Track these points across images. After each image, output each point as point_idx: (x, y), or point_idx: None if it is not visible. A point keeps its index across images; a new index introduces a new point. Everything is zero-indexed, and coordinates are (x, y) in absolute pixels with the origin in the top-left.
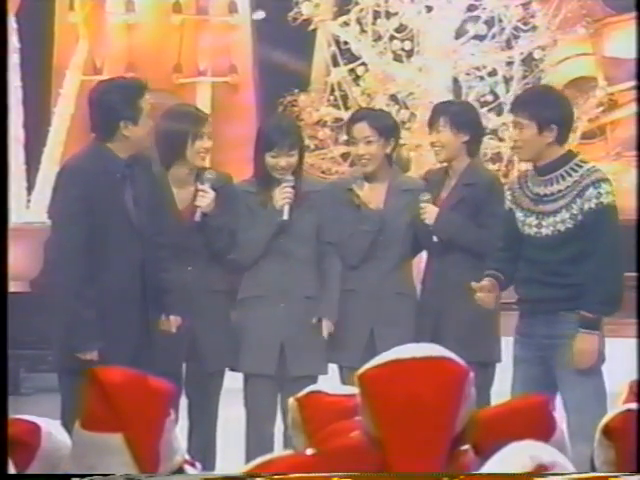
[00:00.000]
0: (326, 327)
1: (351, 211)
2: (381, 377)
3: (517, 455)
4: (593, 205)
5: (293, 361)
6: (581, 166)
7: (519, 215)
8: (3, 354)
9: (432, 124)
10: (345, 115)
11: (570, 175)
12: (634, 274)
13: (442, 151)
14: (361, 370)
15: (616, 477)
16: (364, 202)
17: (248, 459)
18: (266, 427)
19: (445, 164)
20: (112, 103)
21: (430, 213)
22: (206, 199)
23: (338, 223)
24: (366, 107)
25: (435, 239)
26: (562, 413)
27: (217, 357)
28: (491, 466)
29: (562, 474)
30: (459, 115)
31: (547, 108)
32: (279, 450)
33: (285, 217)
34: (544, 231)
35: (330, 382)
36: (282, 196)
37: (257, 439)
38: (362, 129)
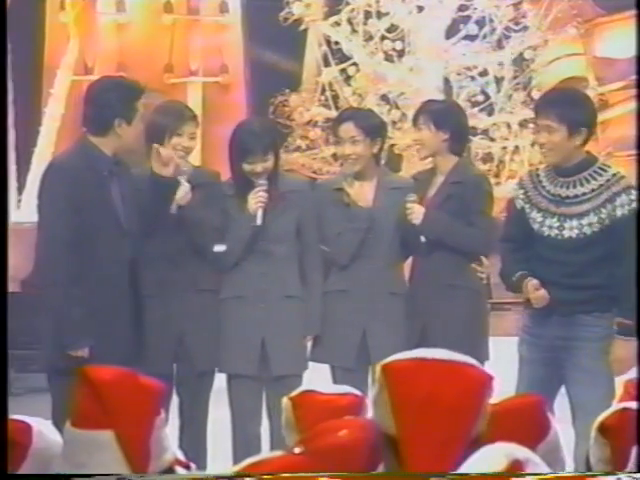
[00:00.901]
0: (309, 340)
1: (338, 210)
2: (406, 371)
3: (492, 455)
4: (626, 211)
5: (275, 361)
6: (605, 170)
7: (536, 216)
8: (3, 355)
9: (415, 122)
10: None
11: (595, 178)
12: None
13: (422, 149)
14: (386, 361)
15: (593, 476)
16: (353, 200)
17: (235, 459)
18: (251, 427)
19: (430, 163)
20: (112, 100)
21: (417, 213)
22: (181, 191)
23: (323, 222)
24: (352, 107)
25: (423, 239)
26: (567, 415)
27: (207, 356)
28: (467, 468)
29: (542, 474)
30: (439, 114)
31: (577, 111)
32: (266, 450)
33: (258, 222)
34: (567, 233)
35: (323, 382)
36: (255, 201)
37: (243, 439)
38: (348, 129)
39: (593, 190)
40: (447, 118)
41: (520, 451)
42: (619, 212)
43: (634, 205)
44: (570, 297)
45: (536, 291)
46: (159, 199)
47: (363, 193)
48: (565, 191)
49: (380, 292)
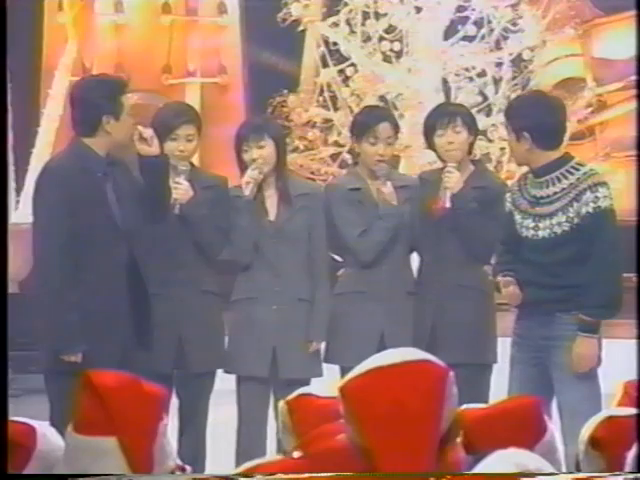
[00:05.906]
0: (314, 347)
1: (356, 210)
2: (363, 386)
3: (502, 463)
4: (590, 209)
5: (285, 364)
6: (578, 169)
7: (517, 217)
8: (3, 356)
9: (448, 125)
10: (334, 116)
11: (566, 177)
12: (634, 275)
13: (458, 152)
14: (342, 382)
15: (600, 477)
16: (387, 199)
17: (239, 462)
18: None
19: (438, 165)
20: (95, 98)
21: (454, 181)
22: (180, 190)
23: (339, 223)
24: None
25: (448, 204)
26: (554, 415)
27: (206, 358)
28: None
29: (544, 474)
30: (470, 117)
31: (520, 116)
32: (271, 453)
33: (272, 219)
34: (541, 233)
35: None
36: (246, 178)
37: (249, 442)
38: (386, 129)
39: (563, 189)
40: (474, 121)
41: (532, 460)
42: (584, 209)
43: (600, 203)
44: (548, 296)
45: (505, 288)
46: (153, 181)
47: (392, 193)
48: (539, 192)
49: (397, 292)
